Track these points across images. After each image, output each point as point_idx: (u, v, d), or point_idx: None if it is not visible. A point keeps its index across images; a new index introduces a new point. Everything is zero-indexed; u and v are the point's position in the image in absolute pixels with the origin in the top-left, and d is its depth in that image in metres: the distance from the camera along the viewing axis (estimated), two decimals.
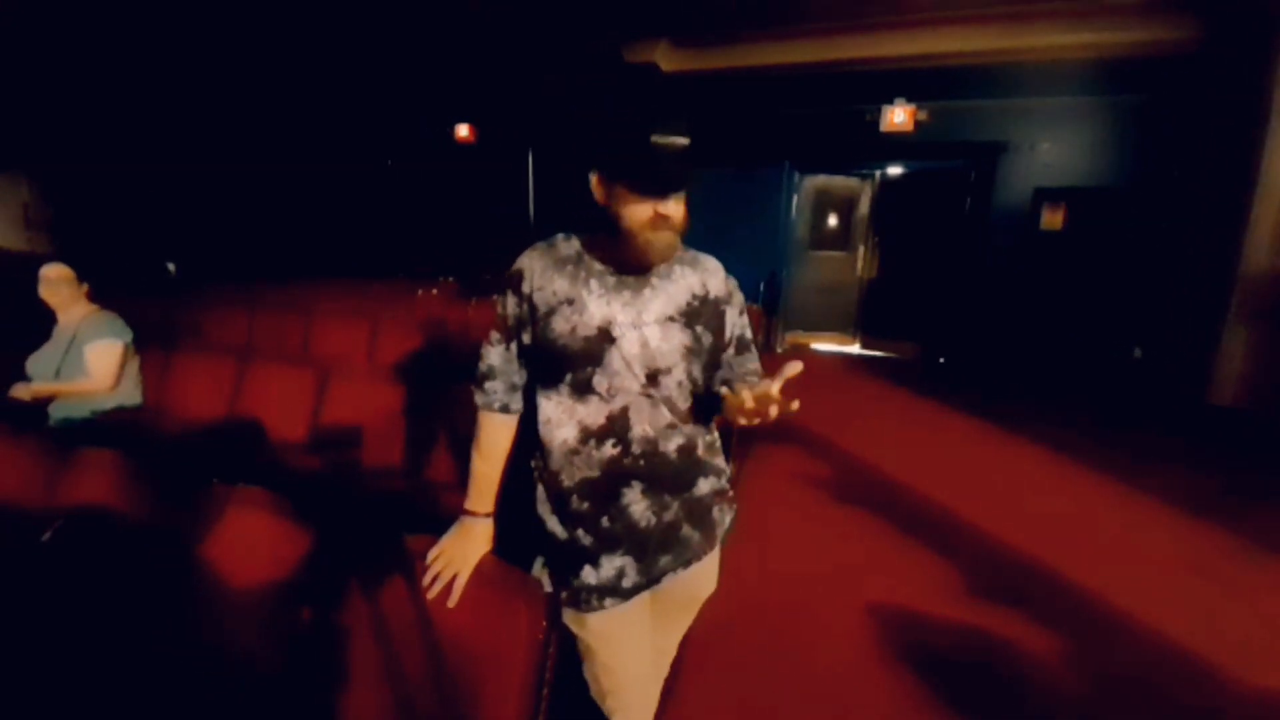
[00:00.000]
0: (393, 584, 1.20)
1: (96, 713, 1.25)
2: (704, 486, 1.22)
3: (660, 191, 1.01)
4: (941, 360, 6.74)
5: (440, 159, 8.17)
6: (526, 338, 1.14)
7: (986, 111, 6.17)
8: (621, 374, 1.09)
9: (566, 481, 1.14)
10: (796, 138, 6.86)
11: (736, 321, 1.23)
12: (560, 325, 1.08)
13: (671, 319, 1.12)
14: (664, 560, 1.18)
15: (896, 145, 6.44)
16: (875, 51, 5.34)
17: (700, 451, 1.20)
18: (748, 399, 0.92)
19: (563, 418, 1.12)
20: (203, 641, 1.41)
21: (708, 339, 1.15)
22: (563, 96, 6.39)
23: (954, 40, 5.11)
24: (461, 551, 1.13)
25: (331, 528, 1.34)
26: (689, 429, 1.17)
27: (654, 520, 1.15)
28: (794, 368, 0.92)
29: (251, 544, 1.41)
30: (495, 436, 1.20)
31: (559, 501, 1.16)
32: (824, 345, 7.48)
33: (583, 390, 1.10)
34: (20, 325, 2.71)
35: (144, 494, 1.64)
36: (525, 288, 1.12)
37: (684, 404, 1.15)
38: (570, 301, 1.09)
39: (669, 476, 1.15)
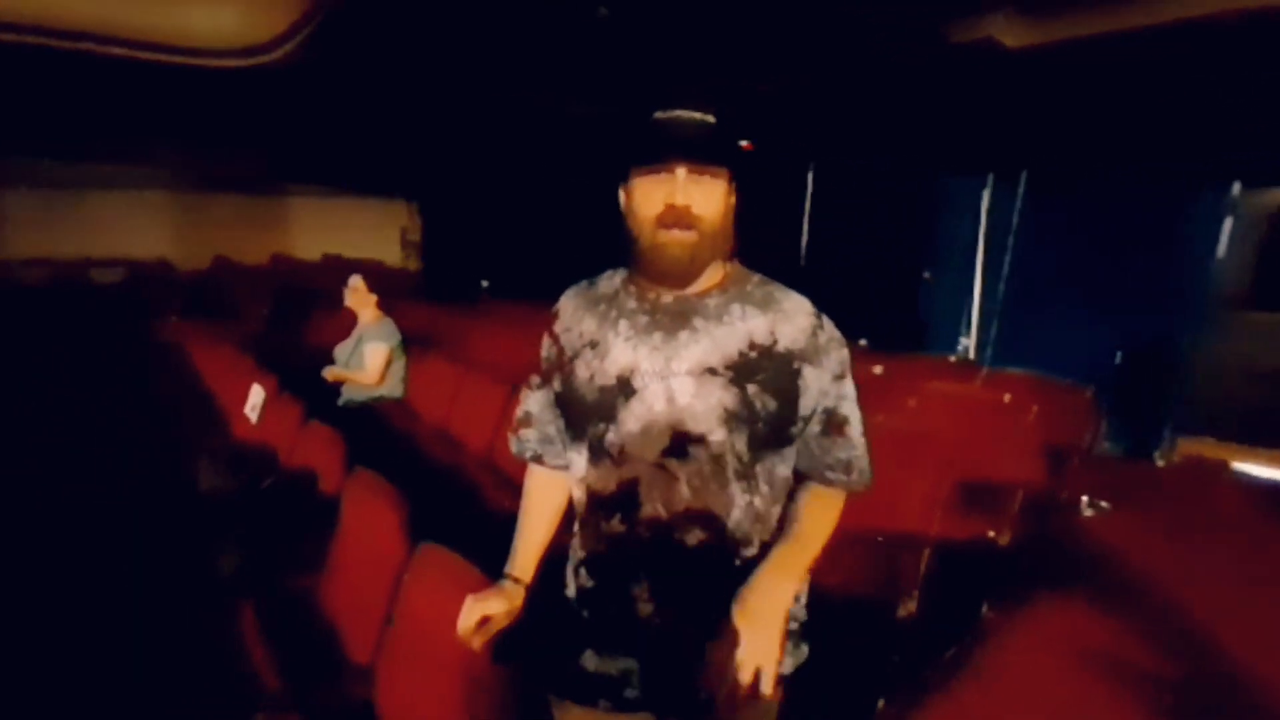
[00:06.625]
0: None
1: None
2: None
3: (662, 157, 0.85)
4: None
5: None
6: (557, 385, 1.02)
7: None
8: (635, 436, 0.89)
9: (580, 550, 1.01)
10: (1232, 128, 4.42)
11: (827, 389, 0.93)
12: (581, 372, 0.94)
13: (712, 371, 0.88)
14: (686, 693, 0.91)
15: None
16: None
17: (748, 556, 0.91)
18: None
19: (581, 477, 0.98)
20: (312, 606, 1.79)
21: (766, 404, 0.88)
22: (862, 94, 5.29)
23: None
24: (470, 607, 0.99)
25: (447, 537, 1.44)
26: (722, 524, 0.89)
27: (667, 636, 0.90)
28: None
29: (376, 540, 1.66)
30: (537, 492, 1.09)
31: (574, 568, 1.03)
32: (1252, 466, 4.67)
33: (596, 450, 0.93)
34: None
35: (332, 467, 2.20)
36: (557, 328, 1.02)
37: (718, 487, 0.88)
38: (594, 345, 0.95)
39: (687, 582, 0.90)
